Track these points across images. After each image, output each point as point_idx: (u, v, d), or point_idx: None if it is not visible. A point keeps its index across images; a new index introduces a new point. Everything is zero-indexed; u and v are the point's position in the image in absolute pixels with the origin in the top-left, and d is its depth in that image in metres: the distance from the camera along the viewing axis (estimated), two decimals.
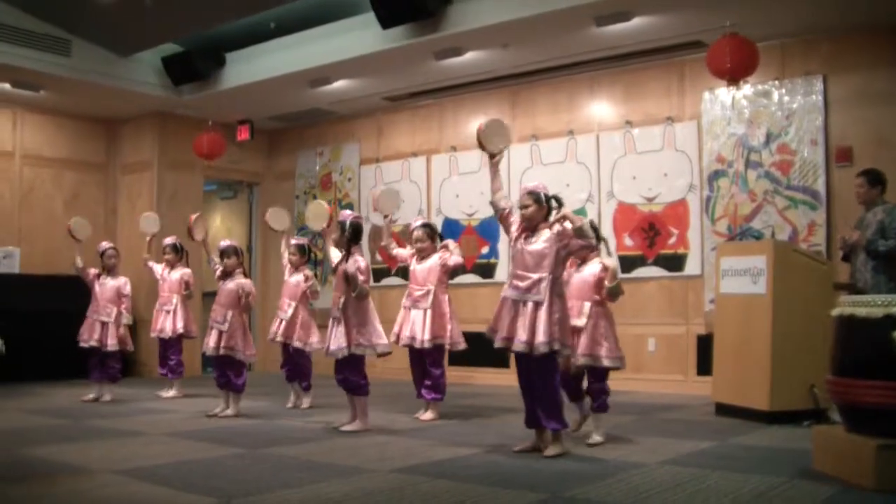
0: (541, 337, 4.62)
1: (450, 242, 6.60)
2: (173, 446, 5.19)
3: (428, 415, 6.34)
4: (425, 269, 6.45)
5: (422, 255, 6.52)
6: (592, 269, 5.23)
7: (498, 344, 4.84)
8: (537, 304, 4.69)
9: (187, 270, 8.36)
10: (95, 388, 7.89)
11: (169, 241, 8.45)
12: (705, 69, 7.28)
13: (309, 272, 7.31)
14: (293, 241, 7.46)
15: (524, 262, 4.81)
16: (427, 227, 6.62)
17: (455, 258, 6.44)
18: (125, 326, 7.94)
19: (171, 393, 8.15)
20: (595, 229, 5.10)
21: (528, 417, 4.95)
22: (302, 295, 7.20)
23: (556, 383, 4.80)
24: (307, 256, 7.48)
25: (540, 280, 4.72)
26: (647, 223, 8.55)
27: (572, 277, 5.26)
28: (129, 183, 11.25)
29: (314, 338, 7.15)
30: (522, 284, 4.77)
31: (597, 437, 5.14)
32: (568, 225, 4.69)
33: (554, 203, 4.86)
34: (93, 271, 8.05)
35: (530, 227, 4.86)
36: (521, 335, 4.69)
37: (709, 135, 8.24)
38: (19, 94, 9.93)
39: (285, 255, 7.35)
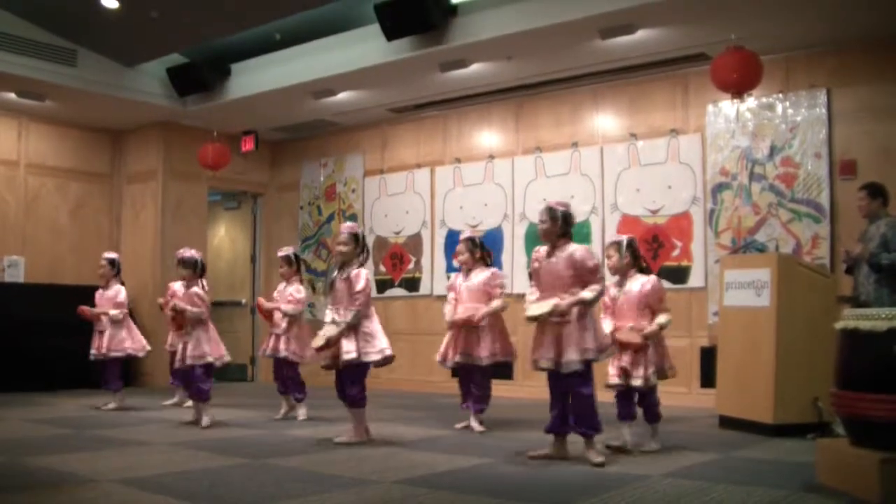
0: (572, 355, 4.81)
1: (499, 279, 6.47)
2: (176, 456, 5.18)
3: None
4: (471, 288, 6.44)
5: (466, 269, 6.52)
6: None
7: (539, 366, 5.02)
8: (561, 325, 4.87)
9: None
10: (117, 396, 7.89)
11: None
12: (709, 82, 7.29)
13: (296, 291, 7.19)
14: (279, 254, 7.42)
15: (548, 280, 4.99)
16: (469, 241, 6.54)
17: (496, 303, 6.31)
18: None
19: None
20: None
21: (553, 423, 5.00)
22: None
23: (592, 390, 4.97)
24: (297, 266, 7.35)
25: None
26: (651, 235, 8.55)
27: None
28: (134, 193, 11.28)
29: (308, 351, 7.13)
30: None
31: (653, 445, 5.32)
32: (586, 295, 4.82)
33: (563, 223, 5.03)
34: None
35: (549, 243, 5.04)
36: (542, 352, 4.92)
37: (713, 147, 8.26)
38: (25, 104, 9.97)
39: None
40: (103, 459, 5.03)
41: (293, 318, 7.15)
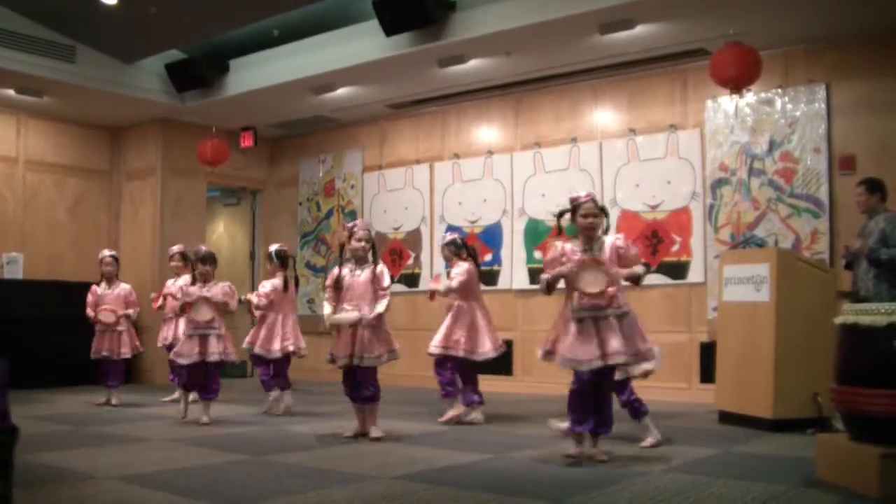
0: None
1: (455, 269, 6.62)
2: (176, 452, 5.18)
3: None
4: None
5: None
6: None
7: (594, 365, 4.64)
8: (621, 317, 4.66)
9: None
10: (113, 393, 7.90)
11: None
12: (709, 77, 7.29)
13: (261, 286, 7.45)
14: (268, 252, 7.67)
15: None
16: (451, 244, 6.77)
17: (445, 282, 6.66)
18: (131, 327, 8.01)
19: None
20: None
21: (591, 424, 4.71)
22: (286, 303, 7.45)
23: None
24: (279, 263, 7.45)
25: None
26: (651, 231, 8.55)
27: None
28: (133, 189, 11.27)
29: (275, 344, 7.30)
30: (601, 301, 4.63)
31: (651, 439, 5.28)
32: (638, 269, 4.74)
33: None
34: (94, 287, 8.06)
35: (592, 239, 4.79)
36: (617, 347, 4.57)
37: (712, 143, 8.25)
38: (23, 100, 9.94)
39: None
40: (103, 456, 5.04)
41: (263, 312, 7.35)
